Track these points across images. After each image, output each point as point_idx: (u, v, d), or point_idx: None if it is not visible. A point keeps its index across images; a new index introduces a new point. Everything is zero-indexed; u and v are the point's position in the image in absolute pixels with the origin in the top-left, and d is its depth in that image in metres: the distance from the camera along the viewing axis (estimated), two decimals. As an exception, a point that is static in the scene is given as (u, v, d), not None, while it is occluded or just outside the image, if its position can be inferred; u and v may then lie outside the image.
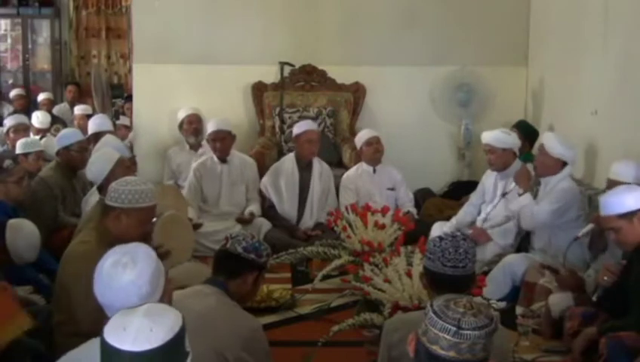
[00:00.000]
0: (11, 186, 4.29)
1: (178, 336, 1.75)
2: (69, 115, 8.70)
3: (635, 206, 3.39)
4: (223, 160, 5.85)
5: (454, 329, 1.82)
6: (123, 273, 2.16)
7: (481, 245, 4.77)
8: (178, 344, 1.76)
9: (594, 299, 3.68)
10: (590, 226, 4.09)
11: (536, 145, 5.85)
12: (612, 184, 4.03)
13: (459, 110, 6.72)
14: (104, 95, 8.89)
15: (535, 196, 4.66)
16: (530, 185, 4.67)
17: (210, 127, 5.87)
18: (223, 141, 5.80)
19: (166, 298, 2.24)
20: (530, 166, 4.89)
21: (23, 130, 6.53)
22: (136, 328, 1.73)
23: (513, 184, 4.75)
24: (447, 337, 1.82)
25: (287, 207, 5.79)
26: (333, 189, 5.89)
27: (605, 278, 3.58)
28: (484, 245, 4.84)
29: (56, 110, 8.73)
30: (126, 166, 4.58)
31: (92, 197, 4.49)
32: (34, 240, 3.70)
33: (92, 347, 2.12)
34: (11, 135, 6.41)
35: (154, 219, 3.54)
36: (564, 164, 4.56)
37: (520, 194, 4.65)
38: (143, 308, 1.80)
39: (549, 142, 4.59)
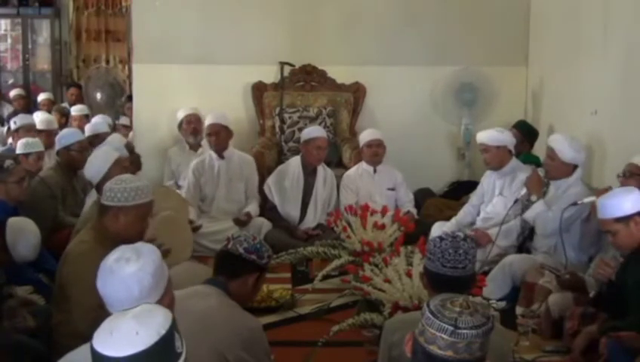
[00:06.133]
0: (12, 186, 4.29)
1: (165, 338, 1.71)
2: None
3: (632, 210, 3.40)
4: (220, 155, 5.84)
5: (451, 328, 1.82)
6: (126, 265, 2.18)
7: (483, 247, 4.76)
8: (165, 346, 1.71)
9: (591, 295, 3.70)
10: (592, 198, 4.06)
11: (536, 145, 5.87)
12: (629, 166, 4.10)
13: (459, 110, 6.72)
14: (110, 94, 8.89)
15: (544, 195, 4.64)
16: (542, 191, 4.62)
17: (206, 121, 5.90)
18: (217, 135, 5.79)
19: (167, 298, 2.24)
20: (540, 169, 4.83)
21: (29, 130, 6.50)
22: (122, 332, 1.69)
23: (524, 190, 4.70)
24: (445, 337, 1.82)
25: (289, 209, 5.77)
26: (336, 193, 5.89)
27: (601, 271, 3.59)
28: (486, 246, 4.84)
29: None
30: (123, 166, 4.59)
31: (90, 197, 4.50)
32: (34, 239, 3.71)
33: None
34: (20, 134, 6.37)
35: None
36: (575, 166, 4.54)
37: (533, 201, 4.59)
38: (133, 310, 1.77)
39: (559, 146, 4.53)
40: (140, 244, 2.30)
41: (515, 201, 4.73)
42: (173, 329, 1.74)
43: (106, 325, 1.74)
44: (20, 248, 3.63)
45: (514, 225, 4.83)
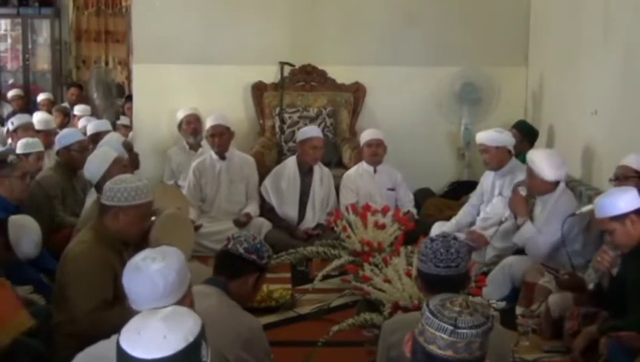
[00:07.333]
0: (15, 181, 4.30)
1: (193, 345, 1.69)
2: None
3: (627, 208, 3.41)
4: (222, 156, 5.84)
5: (451, 328, 1.82)
6: (152, 263, 2.23)
7: (479, 251, 4.75)
8: (192, 353, 1.69)
9: (590, 287, 3.70)
10: (590, 206, 4.05)
11: (536, 145, 5.87)
12: (621, 169, 4.15)
13: (458, 110, 6.72)
14: (106, 95, 8.89)
15: (531, 209, 4.58)
16: (528, 211, 4.52)
17: (208, 123, 5.89)
18: (220, 136, 5.80)
19: (188, 299, 2.28)
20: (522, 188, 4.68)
21: (26, 129, 6.49)
22: (150, 334, 1.68)
23: (508, 212, 4.62)
24: (444, 336, 1.82)
25: (287, 209, 5.77)
26: (334, 192, 5.89)
27: (599, 259, 3.60)
28: (482, 249, 4.82)
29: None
30: (122, 165, 4.60)
31: (90, 197, 4.50)
32: (36, 236, 3.72)
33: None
34: (19, 134, 6.35)
35: (152, 218, 3.54)
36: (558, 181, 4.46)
37: (520, 225, 4.46)
38: (163, 311, 1.76)
39: (537, 166, 4.41)
40: (165, 247, 2.37)
41: (501, 223, 4.67)
42: (201, 336, 1.73)
43: (134, 323, 1.73)
44: (22, 245, 3.64)
45: (512, 226, 4.80)
